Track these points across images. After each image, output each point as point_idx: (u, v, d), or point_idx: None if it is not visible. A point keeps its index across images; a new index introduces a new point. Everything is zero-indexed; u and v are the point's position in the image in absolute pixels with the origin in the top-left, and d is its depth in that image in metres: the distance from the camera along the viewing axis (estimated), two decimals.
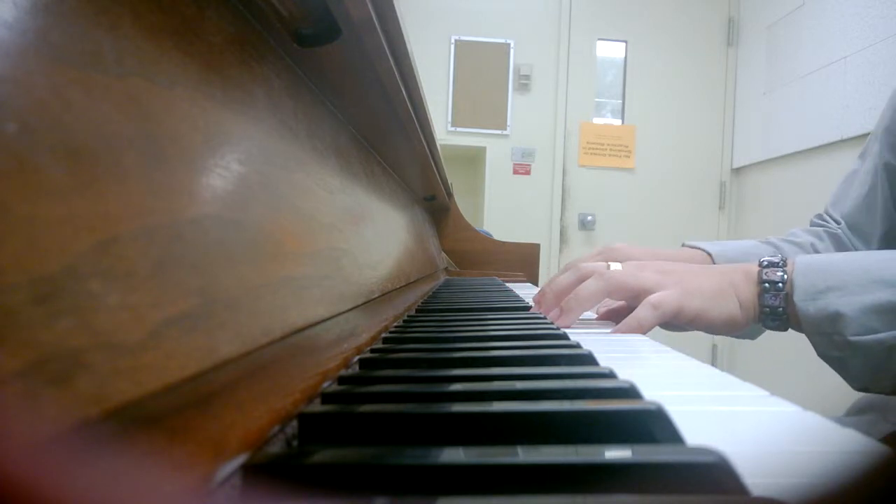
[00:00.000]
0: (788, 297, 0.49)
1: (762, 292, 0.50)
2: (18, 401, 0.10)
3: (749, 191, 2.66)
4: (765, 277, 0.50)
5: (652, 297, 0.48)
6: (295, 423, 0.21)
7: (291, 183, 0.31)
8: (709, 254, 0.72)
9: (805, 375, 1.84)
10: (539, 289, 0.57)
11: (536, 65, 2.69)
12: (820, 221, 0.79)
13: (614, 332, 0.48)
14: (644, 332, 0.48)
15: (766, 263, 0.51)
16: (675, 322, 0.51)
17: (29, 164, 0.12)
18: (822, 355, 0.48)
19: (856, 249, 0.73)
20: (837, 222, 0.76)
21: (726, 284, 0.51)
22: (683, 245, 0.77)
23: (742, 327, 0.51)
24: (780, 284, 0.49)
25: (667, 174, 2.73)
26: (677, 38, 2.72)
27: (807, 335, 0.48)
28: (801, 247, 0.75)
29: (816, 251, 0.74)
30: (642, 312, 0.48)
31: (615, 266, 0.53)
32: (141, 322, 0.15)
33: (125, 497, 0.11)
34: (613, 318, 0.71)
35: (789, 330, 0.51)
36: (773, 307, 0.49)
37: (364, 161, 0.57)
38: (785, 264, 0.50)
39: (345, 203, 0.43)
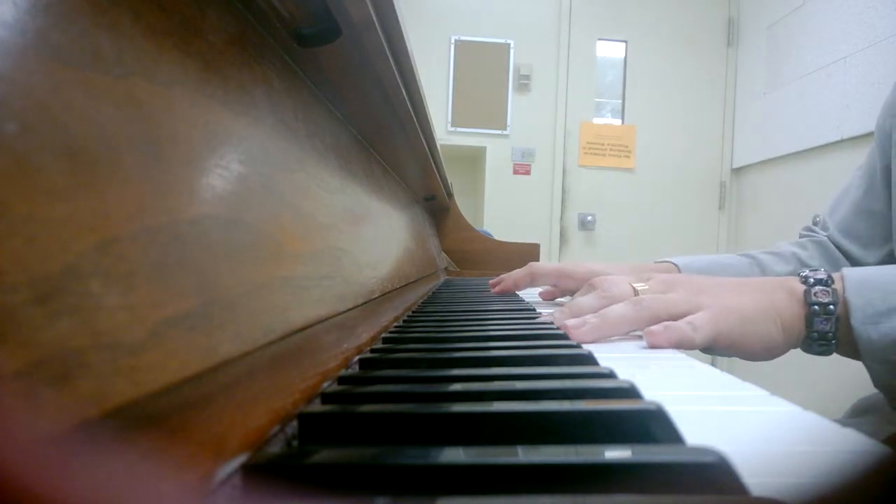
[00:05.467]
0: (841, 320, 0.42)
1: (811, 315, 0.43)
2: (18, 401, 0.10)
3: (749, 191, 2.66)
4: (813, 299, 0.43)
5: (690, 319, 0.41)
6: (295, 423, 0.21)
7: (291, 183, 0.31)
8: (676, 266, 0.68)
9: (805, 376, 1.84)
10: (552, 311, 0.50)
11: (536, 65, 2.69)
12: (806, 233, 0.78)
13: (647, 332, 0.40)
14: (678, 344, 0.39)
15: (811, 281, 0.44)
16: (712, 349, 0.43)
17: (29, 164, 0.12)
18: (883, 386, 0.43)
19: (846, 255, 0.72)
20: (825, 229, 0.75)
21: (767, 304, 0.43)
22: (656, 262, 0.73)
23: (780, 353, 0.44)
24: (832, 307, 0.42)
25: (667, 174, 2.73)
26: (677, 38, 2.72)
27: (864, 363, 0.42)
28: (782, 257, 0.72)
29: (800, 260, 0.72)
30: (682, 326, 0.40)
31: (640, 286, 0.47)
32: (141, 322, 0.15)
33: (125, 497, 0.11)
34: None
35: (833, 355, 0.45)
36: (823, 332, 0.43)
37: (364, 161, 0.57)
38: (831, 280, 0.44)
39: (345, 203, 0.43)
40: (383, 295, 0.50)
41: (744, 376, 0.30)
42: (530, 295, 0.83)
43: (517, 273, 0.76)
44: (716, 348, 0.42)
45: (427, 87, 0.65)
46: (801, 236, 0.78)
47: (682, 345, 0.39)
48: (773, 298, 0.44)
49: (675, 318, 0.41)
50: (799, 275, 0.45)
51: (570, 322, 0.43)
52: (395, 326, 0.46)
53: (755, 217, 2.61)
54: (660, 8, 2.72)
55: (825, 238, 0.74)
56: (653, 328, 0.40)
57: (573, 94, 2.71)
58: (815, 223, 0.79)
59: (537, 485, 0.16)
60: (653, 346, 0.39)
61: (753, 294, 0.44)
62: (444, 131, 2.65)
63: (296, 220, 0.30)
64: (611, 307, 0.44)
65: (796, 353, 0.46)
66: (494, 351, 0.34)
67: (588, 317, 0.43)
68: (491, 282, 0.80)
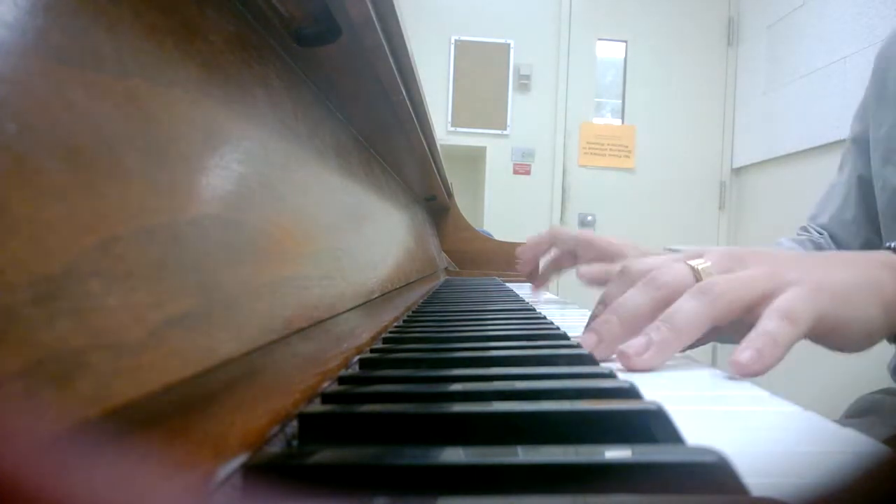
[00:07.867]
0: None
1: None
2: (18, 401, 0.10)
3: (749, 191, 2.66)
4: None
5: (780, 304, 0.32)
6: (295, 423, 0.21)
7: (291, 183, 0.31)
8: None
9: (804, 377, 1.84)
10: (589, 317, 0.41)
11: (536, 65, 2.69)
12: (805, 232, 0.78)
13: (737, 361, 0.30)
14: (782, 355, 0.30)
15: None
16: (813, 335, 0.33)
17: (29, 164, 0.12)
18: None
19: None
20: (820, 233, 0.76)
21: (865, 280, 0.35)
22: None
23: (878, 341, 0.36)
24: None
25: (667, 174, 2.73)
26: (677, 38, 2.72)
27: None
28: None
29: None
30: (774, 326, 0.31)
31: (699, 264, 0.36)
32: (141, 322, 0.15)
33: (125, 497, 0.11)
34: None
35: None
36: None
37: (364, 161, 0.57)
38: None
39: (345, 203, 0.43)
40: (383, 295, 0.50)
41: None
42: (527, 294, 0.83)
43: (538, 237, 0.77)
44: (812, 336, 0.33)
45: (427, 87, 0.65)
46: (799, 234, 0.78)
47: (775, 349, 0.30)
48: (872, 275, 0.35)
49: (759, 301, 0.33)
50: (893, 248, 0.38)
51: (632, 347, 0.32)
52: (395, 326, 0.46)
53: (755, 217, 2.61)
54: (660, 8, 2.72)
55: (822, 240, 0.74)
56: (741, 358, 0.30)
57: (573, 94, 2.71)
58: (799, 233, 0.79)
59: (537, 485, 0.16)
60: (747, 376, 0.30)
61: (847, 269, 0.35)
62: (444, 131, 2.65)
63: (296, 220, 0.30)
64: (676, 306, 0.33)
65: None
66: (494, 351, 0.34)
67: (650, 331, 0.33)
68: (518, 251, 0.82)
